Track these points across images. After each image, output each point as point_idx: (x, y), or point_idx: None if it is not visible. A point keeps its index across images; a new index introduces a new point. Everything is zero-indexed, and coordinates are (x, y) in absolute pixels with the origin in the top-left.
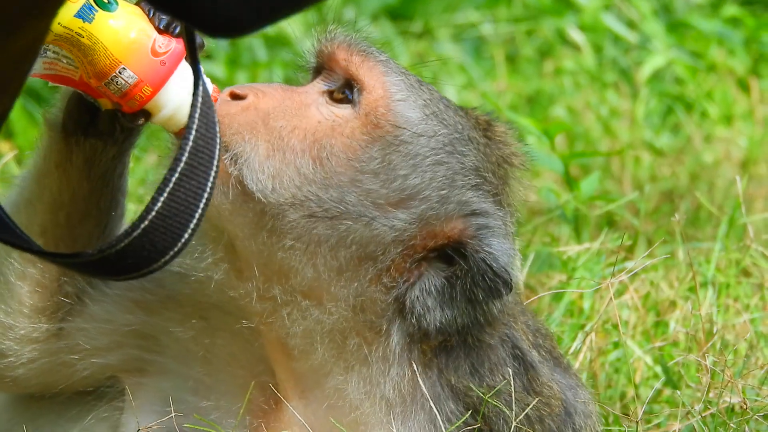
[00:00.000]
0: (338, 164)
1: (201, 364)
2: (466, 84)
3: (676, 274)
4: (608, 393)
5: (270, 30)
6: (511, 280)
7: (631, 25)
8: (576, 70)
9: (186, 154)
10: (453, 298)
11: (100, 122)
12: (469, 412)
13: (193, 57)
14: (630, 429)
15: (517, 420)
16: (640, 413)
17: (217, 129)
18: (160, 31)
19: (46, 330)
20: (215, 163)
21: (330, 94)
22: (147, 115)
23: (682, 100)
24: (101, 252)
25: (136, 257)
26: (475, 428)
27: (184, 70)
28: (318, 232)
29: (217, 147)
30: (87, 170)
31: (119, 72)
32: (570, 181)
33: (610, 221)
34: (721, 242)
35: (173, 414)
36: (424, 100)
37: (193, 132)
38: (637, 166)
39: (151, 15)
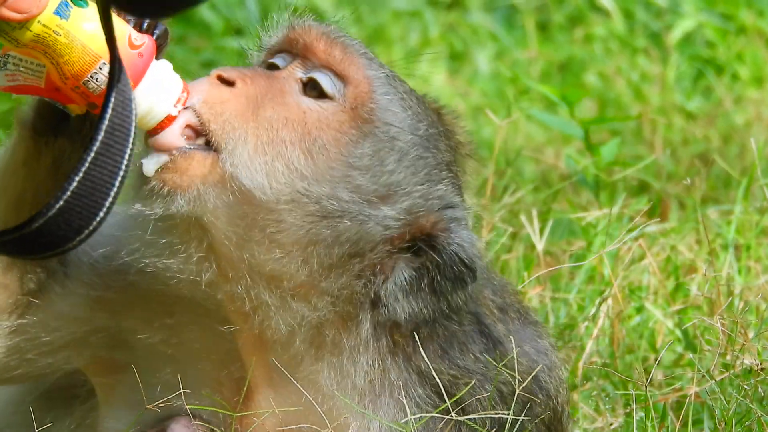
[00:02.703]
0: (329, 158)
1: (169, 364)
2: (497, 53)
3: (696, 238)
4: (627, 359)
5: (301, 2)
6: (477, 270)
7: None
8: (606, 36)
9: (102, 133)
10: (421, 289)
11: (72, 122)
12: (444, 397)
13: (108, 32)
14: (639, 393)
15: (489, 397)
16: (648, 378)
17: (133, 106)
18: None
19: (7, 327)
20: (131, 140)
21: (304, 86)
22: None
23: (713, 63)
24: (18, 230)
25: (52, 236)
26: (446, 411)
27: (156, 66)
28: (316, 231)
29: (133, 124)
30: (54, 170)
31: (99, 68)
32: (590, 147)
33: (643, 186)
34: (741, 204)
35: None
36: (402, 95)
37: (110, 110)
38: (669, 130)
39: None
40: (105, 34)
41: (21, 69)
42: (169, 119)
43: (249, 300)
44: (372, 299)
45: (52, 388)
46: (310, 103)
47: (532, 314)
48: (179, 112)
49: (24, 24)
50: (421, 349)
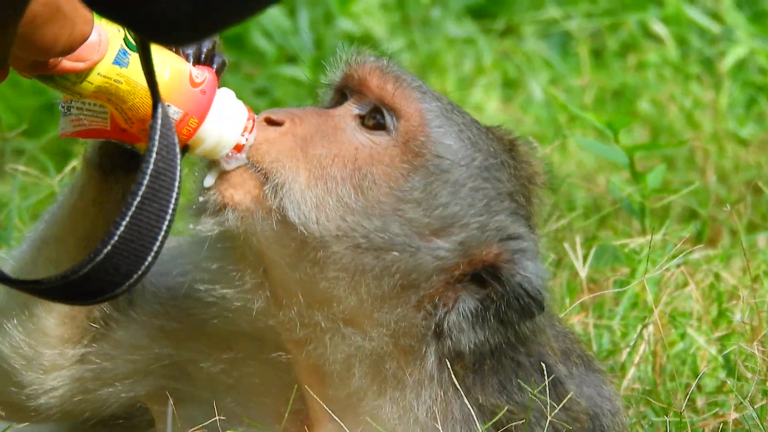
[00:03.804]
0: (380, 193)
1: (230, 394)
2: (551, 80)
3: (741, 265)
4: (669, 386)
5: (356, 30)
6: (544, 301)
7: (714, 16)
8: (660, 63)
9: (147, 178)
10: (486, 319)
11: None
12: (499, 430)
13: (149, 72)
14: (673, 419)
15: None
16: (684, 404)
17: (177, 150)
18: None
19: (71, 356)
20: (177, 184)
21: (362, 119)
22: (186, 148)
23: (766, 89)
24: (65, 278)
25: (101, 282)
26: None
27: (220, 97)
28: (363, 262)
29: (178, 168)
30: None
31: None
32: (635, 174)
33: (693, 213)
34: None
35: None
36: (459, 126)
37: (154, 155)
38: (721, 157)
39: (175, 48)
40: (145, 75)
41: (85, 112)
42: (238, 148)
43: (302, 325)
44: (435, 331)
45: (110, 419)
46: (363, 138)
47: (596, 362)
48: (247, 140)
49: (85, 78)
50: (477, 379)
